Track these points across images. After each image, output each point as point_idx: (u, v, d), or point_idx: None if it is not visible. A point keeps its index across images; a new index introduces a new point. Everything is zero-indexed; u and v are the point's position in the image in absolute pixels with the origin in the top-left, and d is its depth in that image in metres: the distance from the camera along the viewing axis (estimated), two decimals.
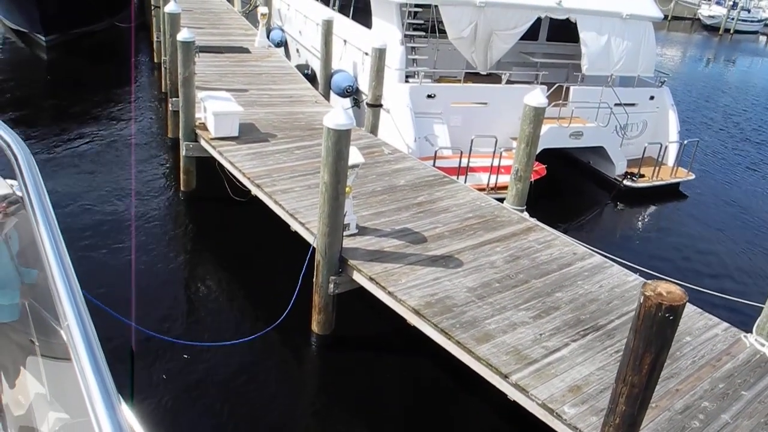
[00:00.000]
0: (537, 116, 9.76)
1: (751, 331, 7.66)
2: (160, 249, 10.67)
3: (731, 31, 56.66)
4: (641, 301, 4.75)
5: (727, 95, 30.64)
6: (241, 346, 8.58)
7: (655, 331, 4.75)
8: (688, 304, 8.04)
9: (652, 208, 15.46)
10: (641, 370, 4.93)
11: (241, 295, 9.74)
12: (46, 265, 2.20)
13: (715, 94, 30.54)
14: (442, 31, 14.54)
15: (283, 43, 21.57)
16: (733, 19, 57.24)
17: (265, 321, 9.11)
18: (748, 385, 6.75)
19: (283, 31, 21.80)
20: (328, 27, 15.44)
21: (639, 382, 4.99)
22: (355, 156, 8.09)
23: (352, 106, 15.59)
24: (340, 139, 7.49)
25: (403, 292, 7.47)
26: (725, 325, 7.82)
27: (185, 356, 8.20)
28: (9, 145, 2.78)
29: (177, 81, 12.38)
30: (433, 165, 12.17)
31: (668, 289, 4.79)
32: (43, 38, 22.16)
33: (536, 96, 9.78)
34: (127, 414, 3.01)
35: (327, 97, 15.75)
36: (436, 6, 14.49)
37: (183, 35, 11.52)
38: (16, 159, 2.73)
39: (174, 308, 9.27)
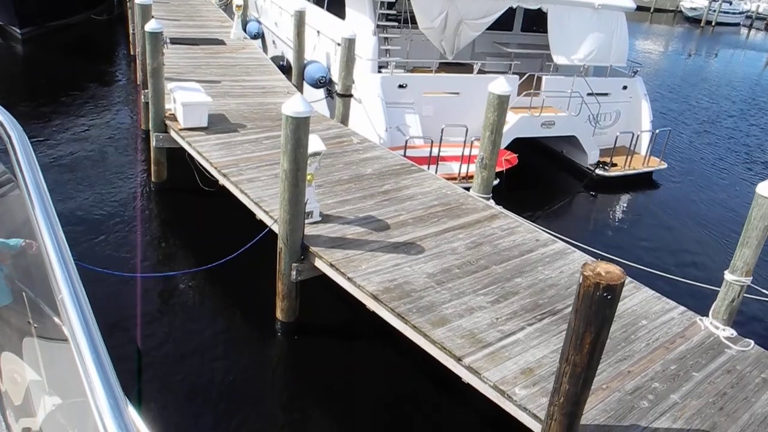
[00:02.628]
0: (501, 104, 9.83)
1: (707, 315, 7.77)
2: (126, 241, 10.63)
3: (713, 24, 57.07)
4: (580, 281, 4.82)
5: (705, 87, 30.92)
6: (203, 331, 8.65)
7: (594, 311, 4.82)
8: (646, 288, 8.27)
9: (624, 197, 15.59)
10: (582, 349, 5.00)
11: (205, 281, 9.75)
12: (42, 245, 2.19)
13: (693, 85, 30.82)
14: (415, 22, 14.57)
15: (260, 35, 21.55)
16: (714, 11, 57.66)
17: (228, 305, 9.19)
18: (699, 367, 6.85)
19: (259, 23, 21.78)
20: (300, 17, 15.44)
21: (581, 361, 5.07)
22: (315, 144, 8.12)
23: (326, 97, 15.62)
24: (299, 127, 7.52)
25: (363, 278, 7.52)
26: (682, 308, 7.91)
27: (148, 336, 8.26)
28: (1, 124, 2.71)
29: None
30: (404, 154, 12.22)
31: (607, 269, 4.85)
32: (18, 31, 22.01)
33: (500, 84, 9.84)
34: (132, 414, 2.96)
35: (300, 88, 15.75)
36: None
37: (150, 26, 11.49)
38: (9, 138, 2.66)
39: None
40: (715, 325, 7.58)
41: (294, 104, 7.50)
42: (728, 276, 7.61)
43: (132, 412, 3.02)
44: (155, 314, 8.93)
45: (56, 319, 2.66)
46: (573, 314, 4.96)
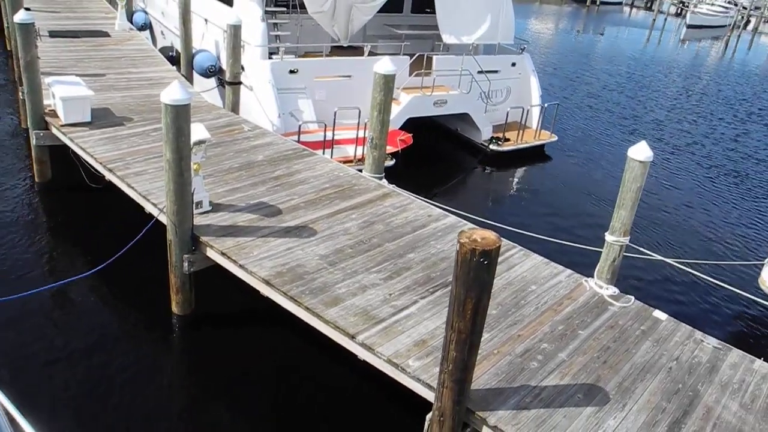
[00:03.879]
0: (387, 83, 9.90)
1: (592, 276, 8.13)
2: (8, 253, 10.04)
3: (597, 3, 59.37)
4: (458, 249, 4.93)
5: (590, 63, 32.28)
6: (97, 333, 8.35)
7: (472, 277, 4.94)
8: (535, 255, 8.55)
9: (518, 170, 16.07)
10: (465, 315, 5.12)
11: (97, 282, 9.38)
12: None
13: (578, 62, 32.15)
14: (304, 7, 14.45)
15: (147, 26, 20.84)
16: None
17: (122, 304, 8.92)
18: (585, 325, 7.17)
19: (146, 13, 21.06)
20: (185, 5, 15.00)
21: (465, 327, 5.19)
22: (199, 132, 7.94)
23: (218, 86, 15.30)
24: (179, 115, 7.31)
25: (254, 264, 7.45)
26: (569, 272, 8.25)
27: (39, 339, 7.91)
28: None
29: None
30: (298, 140, 12.14)
31: (483, 235, 4.99)
32: None
33: (385, 64, 9.91)
34: None
35: (190, 78, 15.36)
36: None
37: (19, 17, 10.86)
38: None
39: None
40: (599, 285, 7.95)
41: (172, 92, 7.29)
42: (608, 237, 7.99)
43: None
44: (43, 316, 8.54)
45: None
46: (453, 282, 5.07)
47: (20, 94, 13.72)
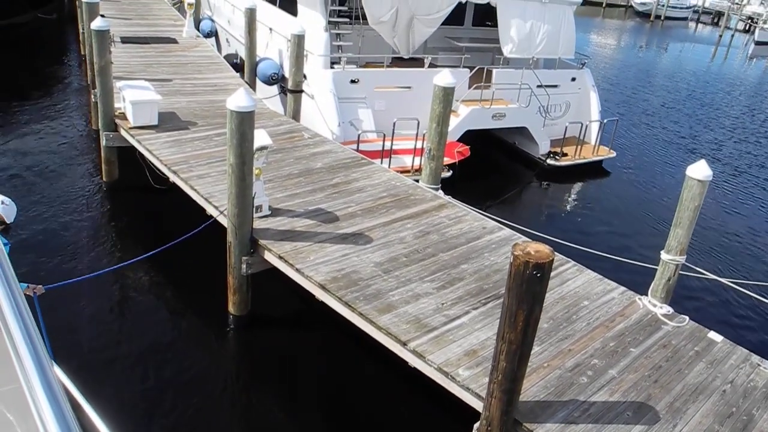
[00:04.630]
0: (446, 96, 10.03)
1: (646, 294, 8.06)
2: (76, 248, 10.49)
3: (662, 18, 58.36)
4: (511, 261, 5.00)
5: (652, 79, 31.68)
6: (156, 329, 8.67)
7: (525, 289, 5.01)
8: (589, 271, 8.53)
9: (575, 186, 15.95)
10: (516, 326, 5.19)
11: (157, 278, 9.74)
12: None
13: (641, 78, 31.58)
14: (366, 18, 14.70)
15: (213, 33, 21.50)
16: (663, 5, 58.93)
17: (181, 302, 9.22)
18: (637, 343, 7.12)
19: (213, 21, 21.72)
20: (251, 15, 15.47)
21: (516, 338, 5.25)
22: (261, 138, 8.20)
23: (279, 93, 15.67)
24: (243, 121, 7.59)
25: (311, 268, 7.64)
26: (622, 289, 8.19)
27: (103, 336, 8.26)
28: None
29: None
30: (357, 149, 12.35)
31: (537, 248, 5.05)
32: None
33: (445, 76, 10.04)
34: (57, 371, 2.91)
35: (253, 85, 15.78)
36: None
37: (96, 24, 11.40)
38: None
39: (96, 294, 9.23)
40: (653, 303, 7.87)
41: (238, 99, 7.57)
42: (664, 255, 7.92)
43: (57, 371, 3.01)
44: (107, 314, 8.91)
45: None
46: (506, 293, 5.15)
47: (92, 97, 14.33)
